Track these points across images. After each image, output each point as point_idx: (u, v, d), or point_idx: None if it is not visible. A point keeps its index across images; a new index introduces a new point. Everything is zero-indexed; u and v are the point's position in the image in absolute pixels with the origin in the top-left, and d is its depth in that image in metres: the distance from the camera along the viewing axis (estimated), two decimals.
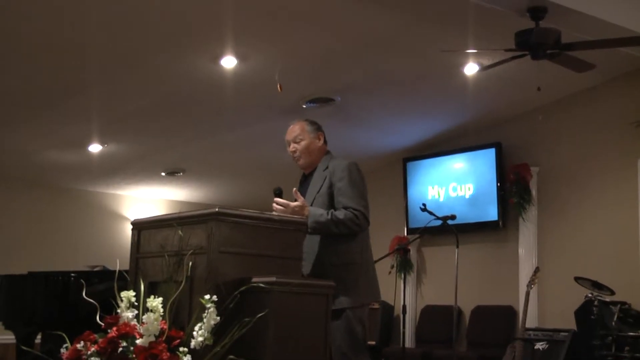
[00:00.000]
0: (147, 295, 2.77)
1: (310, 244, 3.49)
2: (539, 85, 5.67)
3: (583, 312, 6.13)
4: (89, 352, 2.65)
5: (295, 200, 3.45)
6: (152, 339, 2.66)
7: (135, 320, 2.74)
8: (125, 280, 3.08)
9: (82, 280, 4.53)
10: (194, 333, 2.65)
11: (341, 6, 5.20)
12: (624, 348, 5.69)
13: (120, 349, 2.64)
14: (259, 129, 7.58)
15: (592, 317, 5.90)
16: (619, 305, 5.97)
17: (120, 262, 3.17)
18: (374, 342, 7.81)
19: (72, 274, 4.87)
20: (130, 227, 3.30)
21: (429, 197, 8.17)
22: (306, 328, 2.93)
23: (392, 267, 7.83)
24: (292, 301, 2.88)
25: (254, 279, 2.83)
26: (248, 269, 2.92)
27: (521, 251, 7.49)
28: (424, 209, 5.89)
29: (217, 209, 2.90)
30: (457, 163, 8.11)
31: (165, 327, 2.71)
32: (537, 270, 6.60)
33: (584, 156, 7.17)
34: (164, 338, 2.68)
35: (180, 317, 2.81)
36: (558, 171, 7.36)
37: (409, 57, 6.09)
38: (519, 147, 7.64)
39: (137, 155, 8.45)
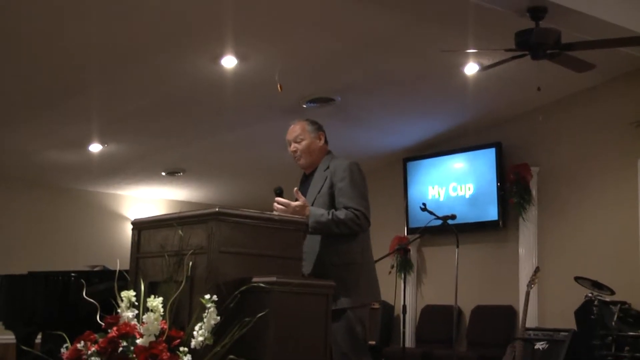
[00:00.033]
0: (147, 295, 2.77)
1: (311, 244, 3.49)
2: (539, 85, 5.67)
3: (583, 312, 6.13)
4: (89, 352, 2.65)
5: (296, 200, 3.45)
6: (153, 338, 2.66)
7: (135, 320, 2.74)
8: (125, 280, 3.08)
9: (82, 280, 4.54)
10: (194, 333, 2.65)
11: (341, 6, 5.20)
12: (624, 348, 5.69)
13: (121, 348, 2.64)
14: (259, 129, 7.58)
15: (592, 317, 5.90)
16: (619, 305, 5.97)
17: (121, 262, 3.17)
18: (374, 342, 7.82)
19: (73, 274, 4.87)
20: (131, 227, 3.30)
21: (429, 197, 8.17)
22: (306, 328, 2.93)
23: (392, 267, 7.83)
24: (293, 301, 2.88)
25: (254, 279, 2.83)
26: (248, 268, 2.92)
27: (521, 251, 7.49)
28: (424, 208, 5.89)
29: (217, 209, 2.89)
30: (457, 163, 8.11)
31: (166, 327, 2.71)
32: (537, 270, 6.61)
33: (584, 156, 7.17)
34: (164, 338, 2.69)
35: (181, 317, 2.81)
36: (558, 171, 7.37)
37: (409, 57, 6.09)
38: (519, 147, 7.64)
39: (137, 155, 8.45)
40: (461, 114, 7.64)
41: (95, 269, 5.49)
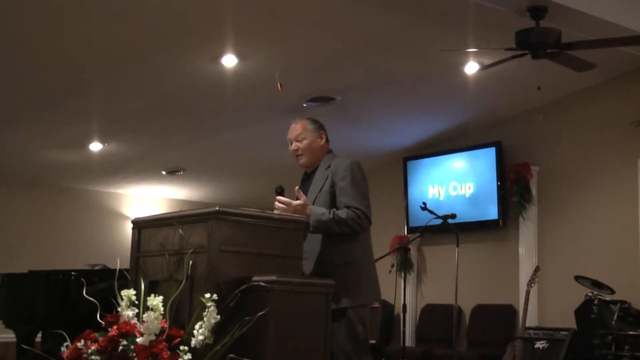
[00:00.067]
0: (147, 294, 2.78)
1: (312, 243, 3.48)
2: (539, 84, 5.67)
3: (583, 311, 6.13)
4: (90, 351, 2.65)
5: (297, 199, 3.45)
6: (153, 337, 2.66)
7: (135, 319, 2.75)
8: (125, 279, 3.08)
9: (82, 279, 4.55)
10: (195, 332, 2.66)
11: (341, 6, 5.20)
12: (624, 347, 5.69)
13: (121, 347, 2.64)
14: (259, 128, 7.58)
15: (592, 316, 5.90)
16: (619, 304, 5.97)
17: (121, 261, 3.17)
18: (374, 341, 7.82)
19: (73, 273, 4.87)
20: (131, 226, 3.30)
21: (429, 196, 8.17)
22: (306, 327, 2.93)
23: (393, 266, 7.83)
24: (293, 300, 2.89)
25: (255, 278, 2.83)
26: (248, 267, 2.92)
27: (521, 250, 7.49)
28: (424, 207, 5.89)
29: (217, 208, 2.89)
30: (458, 162, 8.11)
31: (166, 325, 2.72)
32: (537, 269, 6.61)
33: (584, 155, 7.17)
34: (164, 337, 2.69)
35: (181, 316, 2.81)
36: (558, 170, 7.37)
37: (409, 57, 6.09)
38: (519, 147, 7.64)
39: (138, 155, 8.45)
40: (461, 114, 7.64)
41: (96, 268, 5.50)
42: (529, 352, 6.34)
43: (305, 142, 3.68)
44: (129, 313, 2.74)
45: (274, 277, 2.83)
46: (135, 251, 3.21)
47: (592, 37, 5.13)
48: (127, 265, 3.20)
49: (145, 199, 10.31)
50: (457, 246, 5.83)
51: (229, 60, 5.86)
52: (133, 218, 3.33)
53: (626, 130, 6.71)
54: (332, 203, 3.53)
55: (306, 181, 3.72)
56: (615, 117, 6.89)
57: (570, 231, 7.18)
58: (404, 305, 5.95)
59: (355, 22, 5.44)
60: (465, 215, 7.61)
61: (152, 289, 2.89)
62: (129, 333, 2.66)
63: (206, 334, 2.64)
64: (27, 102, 6.76)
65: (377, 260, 3.86)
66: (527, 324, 6.51)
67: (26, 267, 5.59)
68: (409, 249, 8.02)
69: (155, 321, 2.68)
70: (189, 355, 2.65)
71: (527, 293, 6.37)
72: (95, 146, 8.01)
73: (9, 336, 5.64)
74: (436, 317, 7.98)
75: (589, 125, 7.15)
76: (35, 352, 3.42)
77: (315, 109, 6.88)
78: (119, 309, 2.77)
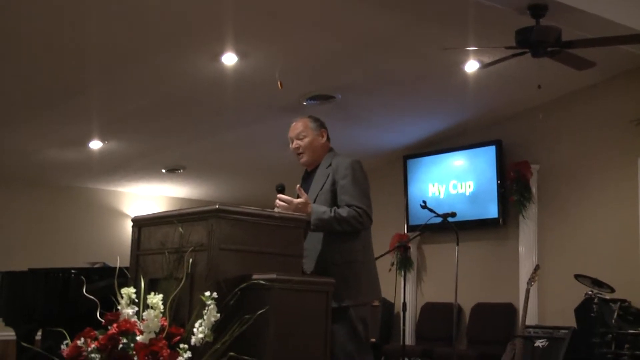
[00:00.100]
0: (147, 292, 2.78)
1: (313, 242, 3.48)
2: (540, 83, 5.67)
3: (583, 310, 6.13)
4: (90, 349, 2.65)
5: (298, 197, 3.45)
6: (153, 335, 2.67)
7: (135, 317, 2.75)
8: (125, 277, 3.09)
9: (82, 277, 4.55)
10: (194, 330, 2.66)
11: (341, 6, 5.20)
12: (623, 345, 5.70)
13: (121, 345, 2.65)
14: (259, 127, 7.58)
15: (592, 314, 5.90)
16: (619, 303, 5.97)
17: (121, 259, 3.17)
18: (374, 340, 7.81)
19: (73, 271, 4.87)
20: (131, 224, 3.31)
21: (430, 195, 8.18)
22: (306, 325, 2.93)
23: (392, 264, 7.84)
24: (293, 298, 2.89)
25: (255, 276, 2.83)
26: (249, 266, 2.92)
27: (521, 249, 7.50)
28: (424, 206, 5.89)
29: (217, 206, 2.90)
30: (458, 160, 8.11)
31: (166, 324, 2.72)
32: (537, 267, 6.61)
33: (584, 154, 7.17)
34: (164, 335, 2.69)
35: (181, 314, 2.82)
36: (558, 169, 7.37)
37: (409, 56, 6.09)
38: (519, 145, 7.65)
39: (138, 153, 8.46)
40: (461, 112, 7.64)
41: (96, 266, 5.50)
42: (529, 350, 6.34)
43: (306, 140, 3.67)
44: (129, 311, 2.74)
45: (274, 276, 2.83)
46: (135, 249, 3.21)
47: (592, 35, 5.13)
48: (127, 264, 3.21)
49: (145, 197, 10.32)
50: (457, 244, 5.83)
51: (229, 59, 5.87)
52: (133, 216, 3.33)
53: (626, 128, 6.71)
54: (333, 201, 3.53)
55: (307, 179, 3.71)
56: (616, 115, 6.89)
57: (570, 230, 7.19)
58: (404, 304, 5.95)
59: (355, 22, 5.44)
60: (465, 213, 7.61)
61: (152, 287, 2.90)
62: (128, 331, 2.67)
63: (206, 332, 2.64)
64: (27, 102, 6.76)
65: (377, 258, 3.86)
66: (527, 323, 6.51)
67: (26, 265, 5.61)
68: (409, 248, 8.03)
69: (155, 319, 2.68)
70: (188, 354, 2.65)
71: (527, 291, 6.37)
72: (95, 144, 8.02)
73: (9, 334, 5.65)
74: (436, 315, 7.99)
75: (589, 123, 7.15)
76: (35, 350, 3.43)
77: (315, 107, 6.88)
78: (119, 307, 2.77)
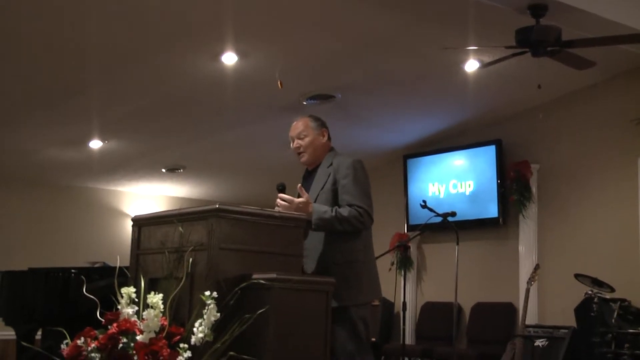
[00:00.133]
0: (147, 292, 2.78)
1: (314, 242, 3.48)
2: (540, 82, 5.66)
3: (583, 310, 6.13)
4: (90, 348, 2.65)
5: (299, 196, 3.45)
6: (153, 335, 2.67)
7: (135, 316, 2.75)
8: (125, 276, 3.09)
9: (82, 277, 4.55)
10: (194, 329, 2.66)
11: (341, 6, 5.20)
12: (623, 345, 5.70)
13: (121, 345, 2.65)
14: (259, 127, 7.58)
15: (592, 314, 5.90)
16: (618, 303, 5.97)
17: (121, 258, 3.17)
18: (374, 339, 7.81)
19: (73, 270, 4.87)
20: (131, 223, 3.31)
21: (430, 194, 8.18)
22: (307, 325, 2.93)
23: (393, 264, 7.84)
24: (293, 298, 2.89)
25: (255, 276, 2.83)
26: (249, 265, 2.92)
27: (521, 248, 7.50)
28: (424, 205, 5.90)
29: (217, 206, 2.90)
30: (458, 160, 8.11)
31: (166, 323, 2.72)
32: (537, 267, 6.61)
33: (584, 154, 7.17)
34: (164, 334, 2.69)
35: (181, 314, 2.82)
36: (558, 169, 7.37)
37: (409, 56, 6.09)
38: (519, 145, 7.64)
39: (138, 153, 8.46)
40: (461, 112, 7.64)
41: (96, 266, 5.50)
42: (529, 350, 6.35)
43: (307, 139, 3.67)
44: (129, 311, 2.75)
45: (274, 275, 2.83)
46: (135, 249, 3.22)
47: (592, 35, 5.13)
48: (127, 263, 3.21)
49: (145, 196, 10.32)
50: (457, 244, 5.84)
51: (229, 58, 5.86)
52: (133, 216, 3.33)
53: (626, 128, 6.71)
54: (334, 201, 3.52)
55: (308, 179, 3.71)
56: (616, 115, 6.89)
57: (570, 229, 7.18)
58: (404, 303, 5.96)
59: (355, 22, 5.44)
60: (465, 213, 7.61)
61: (152, 286, 2.90)
62: (128, 330, 2.67)
63: (206, 331, 2.64)
64: (27, 102, 6.76)
65: (377, 258, 3.87)
66: (527, 322, 6.51)
67: (27, 265, 5.60)
68: (409, 247, 8.03)
69: (155, 319, 2.69)
70: (188, 353, 2.65)
71: (527, 291, 6.37)
72: (95, 144, 8.02)
73: (9, 334, 5.65)
74: (436, 315, 7.99)
75: (589, 123, 7.15)
76: (35, 349, 3.43)
77: (316, 107, 6.88)
78: (119, 307, 2.77)
